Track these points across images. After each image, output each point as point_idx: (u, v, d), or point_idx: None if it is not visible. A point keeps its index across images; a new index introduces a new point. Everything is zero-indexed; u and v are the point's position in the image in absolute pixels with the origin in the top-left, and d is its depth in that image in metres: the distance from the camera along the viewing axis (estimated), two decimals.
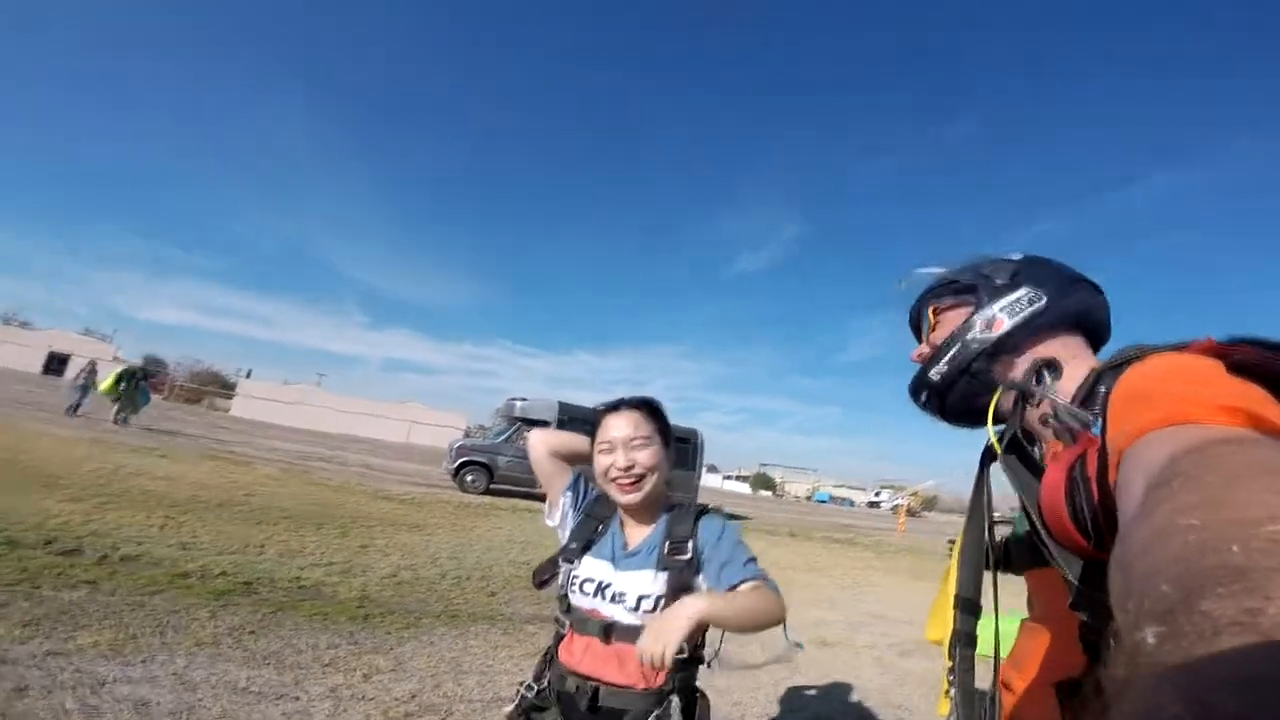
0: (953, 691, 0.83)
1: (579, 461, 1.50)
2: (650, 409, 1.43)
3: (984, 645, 0.84)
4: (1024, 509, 0.88)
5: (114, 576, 3.73)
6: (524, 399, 14.07)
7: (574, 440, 1.52)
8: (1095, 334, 0.86)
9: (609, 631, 1.29)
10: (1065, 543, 0.54)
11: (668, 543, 1.33)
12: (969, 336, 0.88)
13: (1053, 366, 0.75)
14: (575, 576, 1.36)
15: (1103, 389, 0.63)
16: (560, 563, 1.39)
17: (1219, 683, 0.18)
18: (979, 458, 0.97)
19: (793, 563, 9.36)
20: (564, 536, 1.44)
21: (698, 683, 1.35)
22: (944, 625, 0.97)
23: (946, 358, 0.90)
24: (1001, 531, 0.90)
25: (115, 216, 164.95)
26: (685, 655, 1.16)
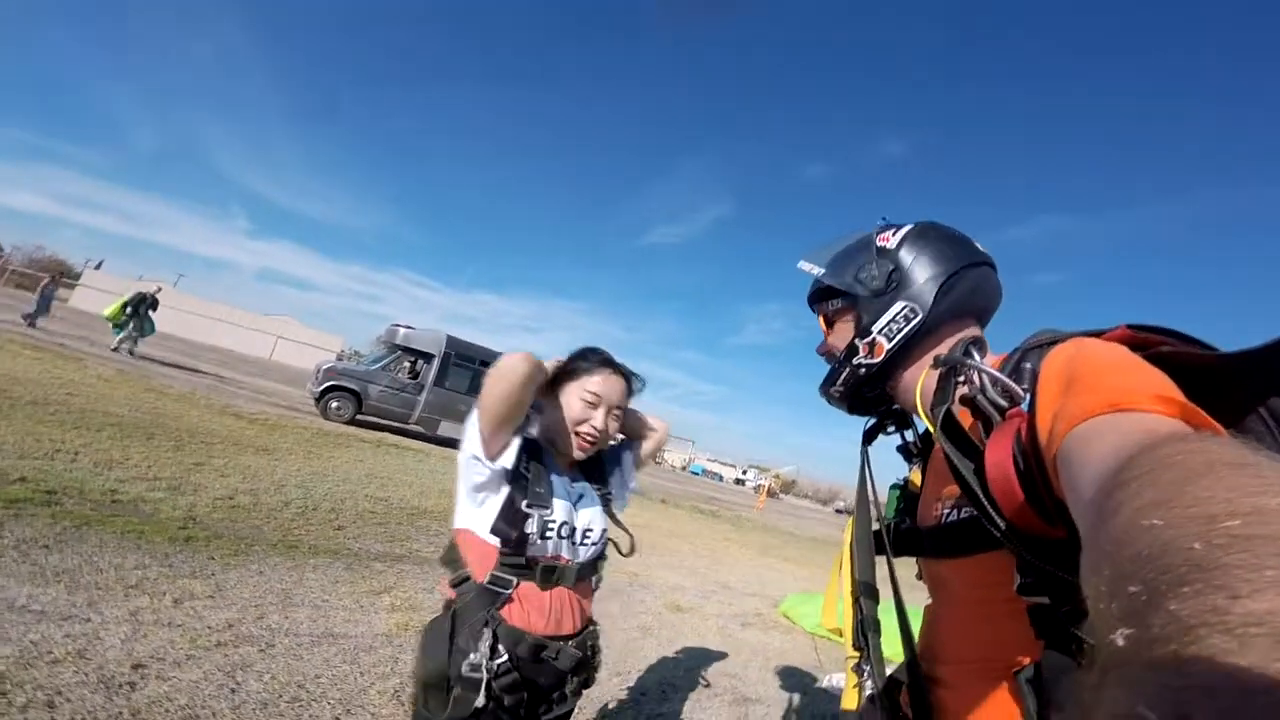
0: (868, 684, 0.77)
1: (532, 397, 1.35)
2: (631, 388, 1.40)
3: (886, 634, 0.81)
4: (943, 486, 0.83)
5: None
6: (410, 326, 13.12)
7: (544, 375, 1.29)
8: (983, 314, 0.86)
9: (580, 574, 1.29)
10: (1020, 523, 0.51)
11: (594, 485, 1.38)
12: (855, 361, 0.86)
13: (979, 344, 0.74)
14: (551, 522, 1.23)
15: (1028, 366, 0.62)
16: (528, 508, 1.21)
17: (1189, 689, 0.18)
18: (860, 439, 0.96)
19: (660, 528, 9.66)
20: (491, 480, 1.21)
21: None
22: (837, 612, 0.92)
23: (840, 381, 0.89)
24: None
25: None
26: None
